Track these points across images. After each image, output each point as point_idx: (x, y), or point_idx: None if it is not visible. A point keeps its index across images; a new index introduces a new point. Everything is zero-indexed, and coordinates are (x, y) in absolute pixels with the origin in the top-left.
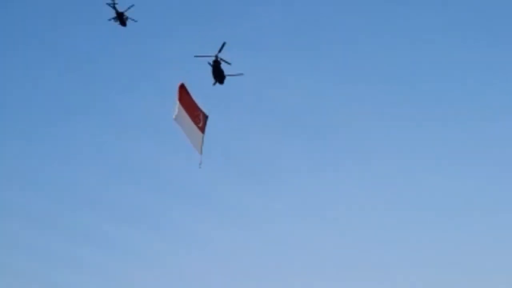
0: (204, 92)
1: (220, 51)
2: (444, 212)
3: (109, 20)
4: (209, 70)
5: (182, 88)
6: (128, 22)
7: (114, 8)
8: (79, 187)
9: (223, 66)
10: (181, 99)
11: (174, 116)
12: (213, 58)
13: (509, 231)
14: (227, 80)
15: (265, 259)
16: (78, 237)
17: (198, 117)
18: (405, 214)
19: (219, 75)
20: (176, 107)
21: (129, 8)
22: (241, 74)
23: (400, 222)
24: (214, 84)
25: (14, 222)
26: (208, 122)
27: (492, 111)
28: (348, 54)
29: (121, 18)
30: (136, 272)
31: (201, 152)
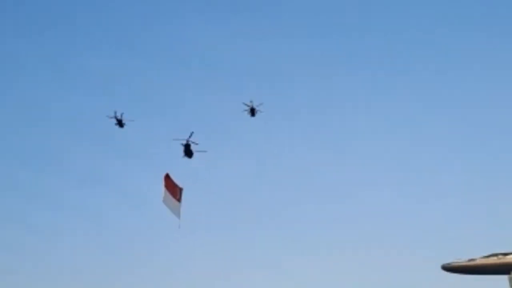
0: None
1: (189, 137)
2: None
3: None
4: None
5: (167, 177)
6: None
7: (116, 118)
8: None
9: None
10: (166, 186)
11: (162, 200)
12: (185, 142)
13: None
14: None
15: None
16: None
17: (177, 193)
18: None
19: (188, 153)
20: (163, 192)
21: (129, 120)
22: (205, 151)
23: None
24: (183, 157)
25: None
26: None
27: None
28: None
29: (120, 123)
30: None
31: (179, 218)
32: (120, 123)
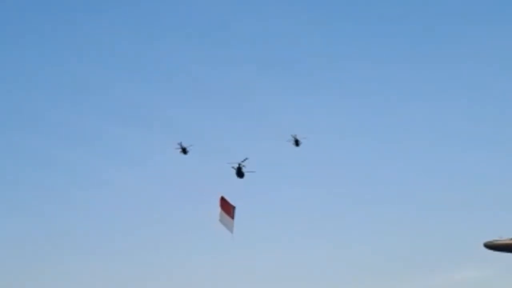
0: None
1: (243, 161)
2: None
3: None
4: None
5: (222, 198)
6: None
7: (181, 147)
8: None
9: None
10: (221, 206)
11: (218, 219)
12: (237, 166)
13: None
14: None
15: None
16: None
17: (230, 210)
18: None
19: (240, 174)
20: (219, 213)
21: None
22: (254, 172)
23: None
24: (237, 177)
25: None
26: None
27: None
28: None
29: (184, 150)
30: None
31: (233, 232)
32: (184, 151)
